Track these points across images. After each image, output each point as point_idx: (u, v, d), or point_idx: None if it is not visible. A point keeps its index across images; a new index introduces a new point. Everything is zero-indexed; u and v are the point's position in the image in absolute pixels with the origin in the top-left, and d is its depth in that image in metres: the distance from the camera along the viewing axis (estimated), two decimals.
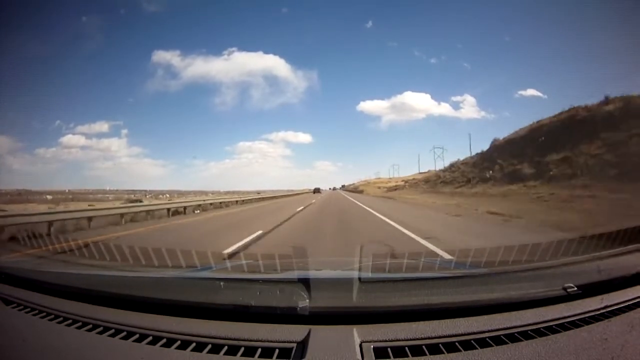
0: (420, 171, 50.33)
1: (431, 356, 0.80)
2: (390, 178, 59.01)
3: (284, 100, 49.63)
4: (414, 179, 45.44)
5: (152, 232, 8.42)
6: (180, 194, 38.31)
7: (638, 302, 1.01)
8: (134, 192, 40.89)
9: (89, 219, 9.57)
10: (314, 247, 5.41)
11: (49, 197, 28.08)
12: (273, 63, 47.57)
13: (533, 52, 42.28)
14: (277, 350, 0.83)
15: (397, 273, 1.53)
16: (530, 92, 38.47)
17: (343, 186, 79.17)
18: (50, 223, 8.24)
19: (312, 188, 53.21)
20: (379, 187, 47.72)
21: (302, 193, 45.86)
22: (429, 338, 0.86)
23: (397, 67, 49.42)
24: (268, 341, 0.86)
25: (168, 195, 34.13)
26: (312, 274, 1.41)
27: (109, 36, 45.91)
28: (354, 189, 59.30)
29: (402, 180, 49.54)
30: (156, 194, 36.49)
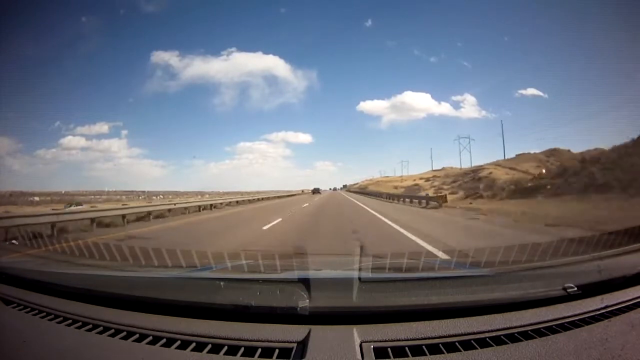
0: (434, 168, 44.30)
1: (431, 356, 0.80)
2: (401, 176, 51.85)
3: (283, 101, 49.47)
4: (434, 176, 39.43)
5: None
6: (176, 194, 38.15)
7: (638, 302, 1.01)
8: (131, 192, 40.80)
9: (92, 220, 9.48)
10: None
11: (36, 198, 27.74)
12: (272, 63, 47.34)
13: (533, 51, 41.90)
14: (277, 350, 0.83)
15: (397, 273, 1.53)
16: (531, 91, 38.08)
17: (345, 186, 74.10)
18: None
19: (312, 188, 51.29)
20: (396, 187, 39.14)
21: (293, 195, 41.45)
22: (429, 338, 0.85)
23: (397, 67, 48.99)
24: (268, 341, 0.86)
25: (162, 196, 34.05)
26: (312, 274, 1.41)
27: (107, 37, 45.64)
28: (361, 190, 47.84)
29: (420, 178, 41.44)
30: (149, 195, 36.42)
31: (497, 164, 33.35)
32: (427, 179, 39.87)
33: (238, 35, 45.32)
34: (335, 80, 51.38)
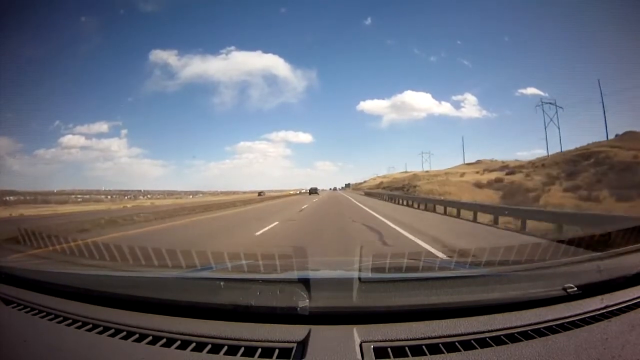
0: (466, 161, 37.38)
1: (431, 356, 0.80)
2: (426, 171, 43.20)
3: (283, 100, 49.63)
4: (507, 166, 26.73)
5: None
6: (170, 194, 37.81)
7: (638, 302, 1.01)
8: (126, 192, 40.61)
9: None
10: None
11: (11, 198, 27.16)
12: (272, 62, 47.55)
13: (533, 50, 41.97)
14: (277, 350, 0.84)
15: (397, 273, 1.53)
16: (531, 90, 37.69)
17: (348, 185, 68.18)
18: None
19: (309, 188, 45.94)
20: (468, 187, 23.97)
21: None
22: (429, 338, 0.86)
23: (397, 66, 49.37)
24: (268, 341, 0.87)
25: (150, 196, 34.00)
26: (312, 274, 1.41)
27: (107, 36, 46.17)
28: (392, 193, 26.30)
29: (487, 170, 28.07)
30: (136, 195, 36.23)
31: (610, 146, 22.99)
32: (510, 172, 25.48)
33: (237, 34, 45.66)
34: (335, 80, 51.65)
